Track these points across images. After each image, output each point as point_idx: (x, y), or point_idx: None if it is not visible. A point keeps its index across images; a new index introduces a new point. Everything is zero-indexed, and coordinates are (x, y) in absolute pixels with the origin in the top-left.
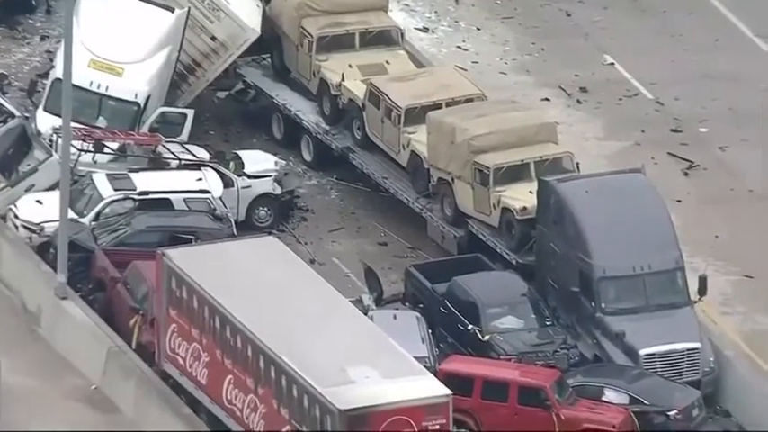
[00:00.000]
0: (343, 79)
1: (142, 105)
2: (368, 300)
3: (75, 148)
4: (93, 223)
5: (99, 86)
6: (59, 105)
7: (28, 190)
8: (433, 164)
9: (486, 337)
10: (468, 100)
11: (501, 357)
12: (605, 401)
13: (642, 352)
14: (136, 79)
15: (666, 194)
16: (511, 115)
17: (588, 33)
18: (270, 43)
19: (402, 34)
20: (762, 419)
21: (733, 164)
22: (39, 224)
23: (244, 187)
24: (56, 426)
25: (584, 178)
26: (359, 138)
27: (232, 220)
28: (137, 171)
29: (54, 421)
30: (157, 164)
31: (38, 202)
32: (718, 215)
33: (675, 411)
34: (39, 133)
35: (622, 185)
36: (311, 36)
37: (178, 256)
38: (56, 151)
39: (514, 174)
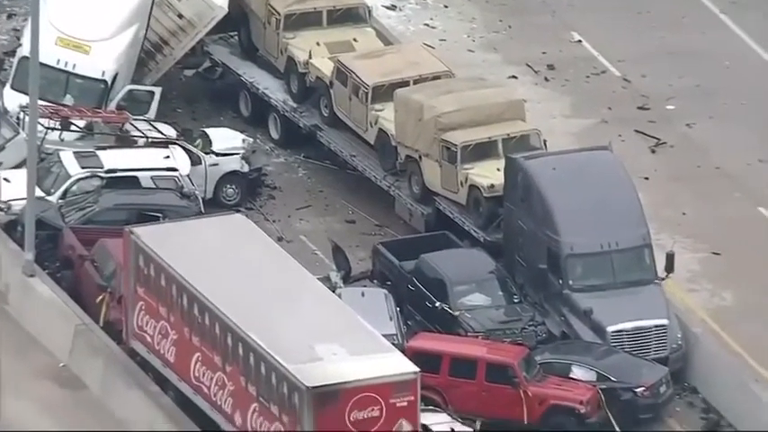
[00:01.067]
0: (310, 57)
1: (109, 83)
2: (335, 277)
3: (43, 125)
4: (60, 201)
5: (66, 64)
6: (26, 83)
7: None
8: (400, 141)
9: (457, 313)
10: (436, 77)
11: (469, 334)
12: (573, 378)
13: (610, 329)
14: (103, 57)
15: (634, 172)
16: (478, 93)
17: (555, 11)
18: (237, 21)
19: (369, 12)
20: (729, 396)
21: (700, 141)
22: (6, 202)
23: (211, 165)
24: (23, 403)
25: (552, 155)
26: (326, 115)
27: (199, 198)
28: (104, 149)
29: (22, 399)
30: (125, 142)
31: (5, 179)
32: (685, 192)
33: (643, 388)
34: (6, 111)
35: (590, 163)
36: (278, 14)
37: (145, 234)
38: (23, 129)
39: (482, 151)
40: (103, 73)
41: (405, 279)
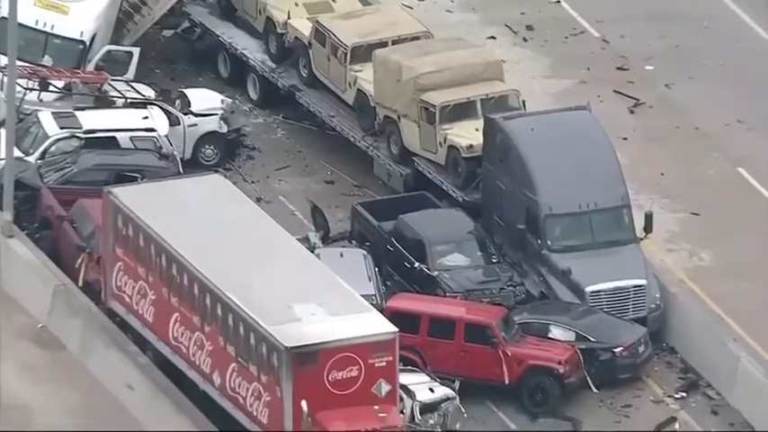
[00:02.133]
0: (289, 17)
1: (88, 44)
2: (314, 238)
3: (21, 86)
4: (39, 161)
5: (45, 25)
6: (5, 44)
7: None
8: (379, 102)
9: (435, 273)
10: (415, 38)
11: (447, 295)
12: (551, 338)
13: (588, 289)
14: (81, 17)
15: (613, 132)
16: (457, 53)
17: None
18: None
19: None
20: (706, 356)
21: (679, 101)
22: None
23: (190, 125)
24: (2, 364)
25: (531, 116)
26: (305, 76)
27: (178, 159)
28: (83, 109)
29: (1, 360)
30: (103, 102)
31: None
32: (663, 153)
33: (621, 348)
34: None
35: (568, 123)
36: None
37: (124, 194)
38: (1, 90)
39: (461, 111)
40: (82, 33)
41: (383, 239)
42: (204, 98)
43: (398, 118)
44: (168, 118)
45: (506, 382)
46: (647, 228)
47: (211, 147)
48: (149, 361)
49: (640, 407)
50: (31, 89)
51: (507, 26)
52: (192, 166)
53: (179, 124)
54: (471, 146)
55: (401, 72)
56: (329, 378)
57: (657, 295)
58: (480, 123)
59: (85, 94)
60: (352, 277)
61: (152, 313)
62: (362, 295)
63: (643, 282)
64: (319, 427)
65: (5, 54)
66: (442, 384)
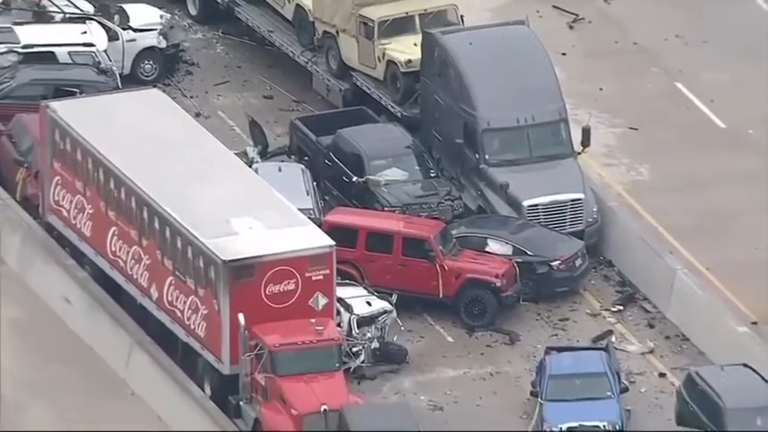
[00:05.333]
0: None
1: None
2: (253, 152)
3: None
4: None
5: None
6: None
7: None
8: (318, 17)
9: (372, 177)
10: None
11: (385, 209)
12: (489, 252)
13: (526, 203)
14: None
15: (552, 47)
16: None
17: None
18: None
19: None
20: (643, 269)
21: (618, 17)
22: None
23: (129, 41)
24: None
25: (469, 30)
26: None
27: (117, 74)
28: (21, 24)
29: None
30: (42, 17)
31: None
32: (602, 68)
33: (558, 262)
34: None
35: (506, 38)
36: None
37: (62, 109)
38: None
39: (399, 26)
40: None
41: (322, 154)
42: (143, 13)
43: (337, 33)
44: (107, 33)
45: (443, 295)
46: (585, 142)
47: (150, 62)
48: (87, 275)
49: (577, 320)
50: None
51: None
52: (131, 81)
53: (118, 39)
54: (410, 61)
55: None
56: (266, 291)
57: (595, 209)
58: (419, 38)
59: (24, 9)
60: (291, 191)
61: (90, 227)
62: (300, 209)
63: (580, 195)
64: (256, 339)
65: None
66: (380, 298)
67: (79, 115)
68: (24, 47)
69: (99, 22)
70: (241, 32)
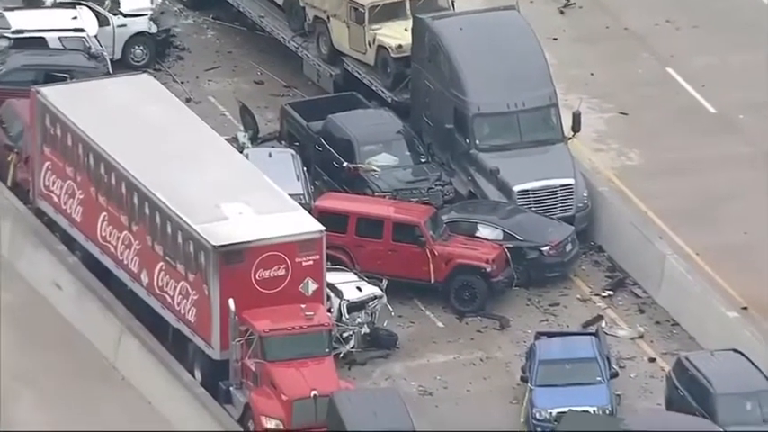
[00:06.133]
0: None
1: None
2: (243, 138)
3: None
4: None
5: None
6: None
7: None
8: (308, 2)
9: (365, 163)
10: None
11: (375, 194)
12: (479, 238)
13: (516, 188)
14: None
15: (542, 33)
16: None
17: None
18: None
19: None
20: (633, 254)
21: (609, 2)
22: None
23: (119, 26)
24: None
25: (459, 15)
26: None
27: (107, 59)
28: (11, 9)
29: None
30: (32, 2)
31: None
32: (593, 53)
33: (549, 247)
34: None
35: (497, 23)
36: None
37: (53, 94)
38: None
39: (390, 11)
40: None
41: (312, 139)
42: None
43: (328, 18)
44: (97, 18)
45: (433, 280)
46: (575, 127)
47: (141, 47)
48: (77, 260)
49: (567, 305)
50: None
51: None
52: (122, 66)
53: (108, 25)
54: (400, 46)
55: None
56: (256, 277)
57: (585, 194)
58: (409, 23)
59: None
60: (281, 177)
61: (80, 213)
62: (291, 195)
63: (570, 181)
64: (246, 325)
65: None
66: (370, 283)
67: (69, 100)
68: (15, 32)
69: (89, 8)
70: (232, 18)
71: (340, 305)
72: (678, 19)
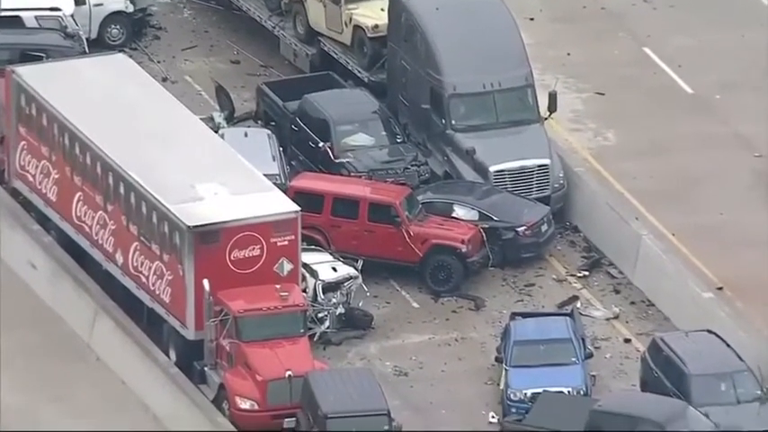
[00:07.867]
0: None
1: None
2: (219, 117)
3: None
4: None
5: None
6: None
7: None
8: None
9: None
10: None
11: (351, 174)
12: (455, 218)
13: (492, 168)
14: None
15: (519, 12)
16: None
17: None
18: None
19: None
20: (609, 234)
21: None
22: None
23: (95, 5)
24: None
25: None
26: None
27: (83, 38)
28: None
29: None
30: None
31: None
32: (570, 33)
33: (524, 227)
34: None
35: (473, 3)
36: None
37: (28, 74)
38: None
39: None
40: None
41: (288, 119)
42: None
43: None
44: None
45: (409, 260)
46: (552, 107)
47: (117, 26)
48: (52, 240)
49: (543, 286)
50: None
51: None
52: (98, 45)
53: (84, 4)
54: (377, 26)
55: None
56: (231, 257)
57: (561, 174)
58: (386, 3)
59: None
60: (257, 157)
61: (55, 192)
62: (266, 175)
63: (546, 161)
64: (221, 305)
65: None
66: (345, 263)
67: (45, 80)
68: None
69: None
70: None
71: (315, 285)
72: None
